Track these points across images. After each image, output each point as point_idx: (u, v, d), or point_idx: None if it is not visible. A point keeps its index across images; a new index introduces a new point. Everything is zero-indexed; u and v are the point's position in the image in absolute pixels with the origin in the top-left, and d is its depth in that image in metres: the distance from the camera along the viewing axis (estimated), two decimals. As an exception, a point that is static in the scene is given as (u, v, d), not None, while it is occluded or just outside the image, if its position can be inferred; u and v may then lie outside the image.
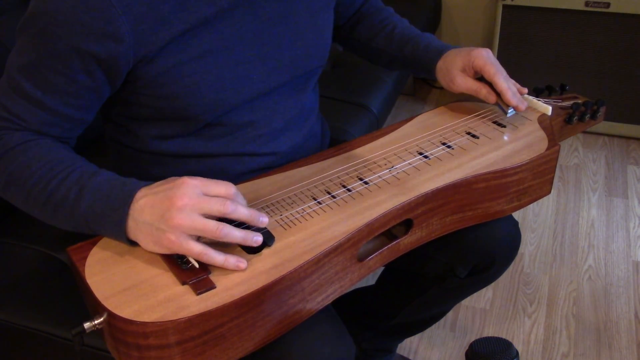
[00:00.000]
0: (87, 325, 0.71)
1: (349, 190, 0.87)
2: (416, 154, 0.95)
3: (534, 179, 0.96)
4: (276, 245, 0.77)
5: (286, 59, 0.91)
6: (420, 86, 2.60)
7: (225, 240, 0.72)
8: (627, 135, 2.24)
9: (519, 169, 0.92)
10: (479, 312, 1.59)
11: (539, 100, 1.06)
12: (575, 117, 1.04)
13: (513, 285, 1.67)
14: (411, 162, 0.92)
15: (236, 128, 0.91)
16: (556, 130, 1.03)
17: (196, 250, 0.72)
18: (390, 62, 1.14)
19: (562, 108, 1.07)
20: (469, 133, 0.99)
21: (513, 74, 1.06)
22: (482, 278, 1.07)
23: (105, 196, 0.75)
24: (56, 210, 0.78)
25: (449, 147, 0.96)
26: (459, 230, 0.95)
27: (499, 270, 1.07)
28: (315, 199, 0.85)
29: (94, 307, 0.72)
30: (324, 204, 0.84)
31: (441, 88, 2.57)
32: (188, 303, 0.69)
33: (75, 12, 0.74)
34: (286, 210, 0.83)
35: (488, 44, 2.39)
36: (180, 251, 0.72)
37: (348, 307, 1.28)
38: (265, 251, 0.76)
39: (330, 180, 0.90)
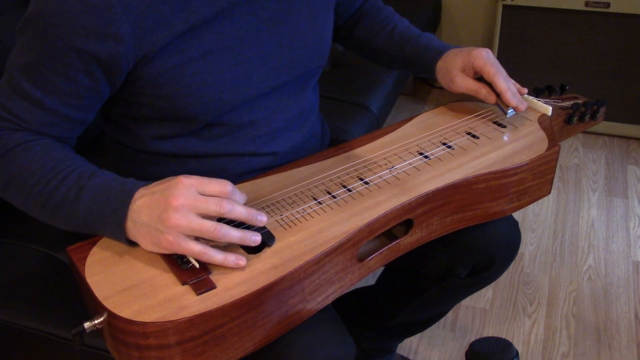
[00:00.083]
0: (87, 325, 0.71)
1: (349, 190, 0.87)
2: (416, 154, 0.95)
3: (534, 179, 0.96)
4: (276, 246, 0.77)
5: (286, 59, 0.91)
6: (420, 86, 2.60)
7: (223, 240, 0.72)
8: (627, 135, 2.24)
9: (519, 169, 0.92)
10: (479, 312, 1.59)
11: (539, 100, 1.06)
12: (575, 118, 1.04)
13: (513, 285, 1.67)
14: (411, 162, 0.92)
15: (236, 128, 0.91)
16: (556, 130, 1.03)
17: (195, 250, 0.72)
18: (390, 62, 1.14)
19: (562, 108, 1.07)
20: (469, 133, 0.99)
21: (513, 74, 1.06)
22: (482, 278, 1.07)
23: (105, 197, 0.75)
24: (55, 211, 0.78)
25: (449, 147, 0.96)
26: (459, 230, 0.95)
27: (499, 270, 1.06)
28: (315, 199, 0.85)
29: (94, 307, 0.72)
30: (324, 204, 0.84)
31: (441, 88, 2.57)
32: (188, 303, 0.69)
33: (75, 12, 0.74)
34: (286, 210, 0.83)
35: (488, 44, 2.39)
36: (179, 251, 0.72)
37: (348, 307, 1.28)
38: (265, 251, 0.76)
39: (330, 180, 0.90)
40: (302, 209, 0.83)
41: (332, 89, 1.72)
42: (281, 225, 0.80)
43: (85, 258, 0.76)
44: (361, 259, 0.83)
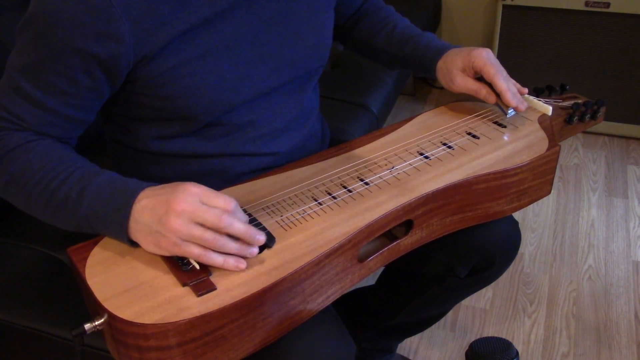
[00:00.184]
0: (87, 326, 0.71)
1: (349, 190, 0.87)
2: (417, 154, 0.95)
3: (534, 179, 0.96)
4: (277, 247, 0.77)
5: (286, 59, 0.91)
6: (420, 86, 2.60)
7: (221, 250, 0.72)
8: (627, 135, 2.24)
9: (519, 169, 0.92)
10: (479, 312, 1.59)
11: (539, 100, 1.06)
12: (576, 117, 1.04)
13: (513, 285, 1.67)
14: (412, 163, 0.92)
15: (236, 128, 0.91)
16: (556, 130, 1.03)
17: (196, 252, 0.72)
18: (391, 61, 1.14)
19: (563, 108, 1.07)
20: (469, 133, 0.99)
21: (513, 74, 1.06)
22: (482, 278, 1.07)
23: (108, 196, 0.75)
24: (57, 211, 0.78)
25: (449, 147, 0.96)
26: (459, 231, 0.95)
27: (499, 270, 1.07)
28: (315, 200, 0.85)
29: (95, 308, 0.72)
30: (324, 205, 0.84)
31: (441, 88, 2.57)
32: (189, 304, 0.69)
33: (75, 13, 0.74)
34: (287, 210, 0.83)
35: (488, 44, 2.39)
36: (179, 253, 0.72)
37: (348, 307, 1.28)
38: (265, 252, 0.76)
39: (330, 180, 0.90)
40: (303, 209, 0.83)
41: (332, 89, 1.71)
42: (281, 226, 0.80)
43: (85, 259, 0.76)
44: (361, 259, 0.83)
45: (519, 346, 1.49)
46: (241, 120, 0.90)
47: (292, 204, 0.84)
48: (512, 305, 1.61)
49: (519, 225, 1.06)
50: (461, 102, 1.10)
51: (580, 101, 1.08)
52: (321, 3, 0.95)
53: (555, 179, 2.03)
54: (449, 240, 0.98)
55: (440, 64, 1.05)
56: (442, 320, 1.46)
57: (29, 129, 0.80)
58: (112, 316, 0.68)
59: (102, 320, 0.70)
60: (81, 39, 0.75)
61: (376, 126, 1.66)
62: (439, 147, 0.96)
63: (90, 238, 0.79)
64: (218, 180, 0.93)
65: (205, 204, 0.72)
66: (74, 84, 0.79)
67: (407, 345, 1.50)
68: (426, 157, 0.94)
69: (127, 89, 0.84)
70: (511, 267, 1.72)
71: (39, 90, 0.78)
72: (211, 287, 0.71)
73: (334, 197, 0.85)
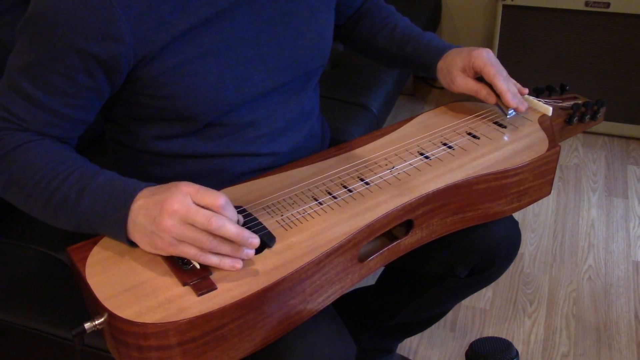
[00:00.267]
0: (87, 325, 0.71)
1: (349, 190, 0.87)
2: (417, 154, 0.95)
3: (535, 179, 0.96)
4: (277, 246, 0.77)
5: (287, 59, 0.91)
6: (420, 86, 2.60)
7: (215, 252, 0.72)
8: (627, 135, 2.24)
9: (520, 170, 0.92)
10: (479, 312, 1.59)
11: (539, 100, 1.06)
12: (576, 118, 1.04)
13: (513, 285, 1.67)
14: (412, 163, 0.92)
15: (237, 128, 0.91)
16: (556, 130, 1.03)
17: (191, 252, 0.72)
18: (391, 61, 1.14)
19: (563, 108, 1.07)
20: (469, 133, 0.99)
21: (513, 74, 1.06)
22: (482, 278, 1.07)
23: (107, 196, 0.75)
24: (57, 211, 0.78)
25: (449, 147, 0.96)
26: (460, 231, 0.95)
27: (499, 270, 1.07)
28: (316, 200, 0.85)
29: (95, 308, 0.72)
30: (324, 205, 0.84)
31: (441, 88, 2.57)
32: (189, 304, 0.69)
33: (75, 13, 0.74)
34: (287, 210, 0.83)
35: (488, 44, 2.39)
36: (175, 253, 0.72)
37: (348, 307, 1.28)
38: (266, 252, 0.76)
39: (331, 180, 0.90)
40: (303, 209, 0.83)
41: (332, 89, 1.71)
42: (282, 225, 0.80)
43: (85, 258, 0.76)
44: (362, 259, 0.83)
45: (519, 346, 1.49)
46: (241, 121, 0.90)
47: (293, 204, 0.84)
48: (512, 305, 1.61)
49: (519, 225, 1.06)
50: (461, 103, 1.10)
51: (580, 102, 1.08)
52: (321, 3, 0.95)
53: (555, 179, 2.03)
54: (449, 240, 0.98)
55: (441, 64, 1.05)
56: (442, 320, 1.46)
57: (29, 129, 0.80)
58: (112, 315, 0.68)
59: (102, 319, 0.70)
60: (81, 39, 0.75)
61: (376, 126, 1.66)
62: (439, 147, 0.96)
63: (90, 238, 0.79)
64: (218, 181, 0.93)
65: (197, 202, 0.71)
66: (74, 84, 0.79)
67: (407, 345, 1.50)
68: (426, 157, 0.94)
69: (127, 88, 0.84)
70: (511, 267, 1.72)
71: (39, 91, 0.78)
72: (211, 287, 0.71)
73: (334, 197, 0.85)
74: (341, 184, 0.88)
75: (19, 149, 0.79)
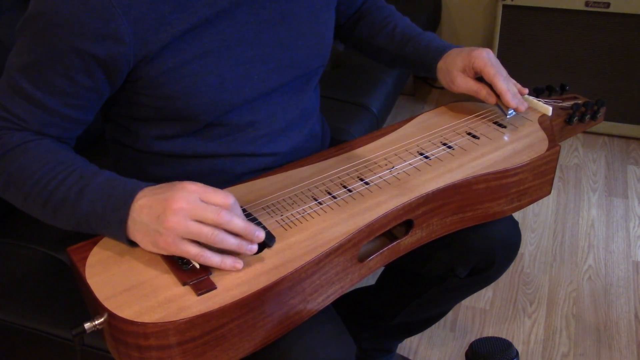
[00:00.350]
0: (87, 325, 0.71)
1: (349, 190, 0.87)
2: (417, 154, 0.95)
3: (534, 179, 0.96)
4: (277, 246, 0.77)
5: (287, 59, 0.91)
6: (420, 86, 2.60)
7: (219, 246, 0.72)
8: (627, 135, 2.24)
9: (520, 169, 0.92)
10: (479, 312, 1.59)
11: (539, 100, 1.06)
12: (576, 118, 1.04)
13: (513, 285, 1.67)
14: (412, 163, 0.92)
15: (237, 128, 0.91)
16: (556, 130, 1.03)
17: (193, 252, 0.72)
18: (392, 61, 1.14)
19: (563, 108, 1.07)
20: (469, 133, 0.99)
21: (513, 74, 1.06)
22: (482, 278, 1.07)
23: (107, 196, 0.75)
24: (57, 211, 0.78)
25: (449, 147, 0.96)
26: (459, 231, 0.95)
27: (499, 270, 1.06)
28: (315, 199, 0.85)
29: (95, 308, 0.72)
30: (324, 205, 0.84)
31: (441, 88, 2.57)
32: (189, 304, 0.69)
33: (75, 13, 0.74)
34: (287, 210, 0.83)
35: (488, 44, 2.39)
36: (176, 252, 0.72)
37: (348, 307, 1.28)
38: (265, 252, 0.76)
39: (330, 180, 0.90)
40: (303, 209, 0.83)
41: (332, 89, 1.71)
42: (281, 225, 0.80)
43: (85, 258, 0.76)
44: (361, 259, 0.83)
45: (519, 346, 1.49)
46: (242, 121, 0.90)
47: (292, 204, 0.85)
48: (512, 305, 1.61)
49: (519, 225, 1.06)
50: (461, 103, 1.10)
51: (580, 101, 1.08)
52: (322, 3, 0.95)
53: (555, 179, 2.03)
54: (449, 240, 0.98)
55: (441, 64, 1.05)
56: (442, 320, 1.46)
57: (28, 128, 0.80)
58: (112, 315, 0.68)
59: (102, 319, 0.70)
60: (81, 39, 0.75)
61: (376, 126, 1.66)
62: (439, 147, 0.96)
63: (90, 238, 0.79)
64: (218, 181, 0.93)
65: (204, 201, 0.72)
66: (74, 84, 0.79)
67: (407, 345, 1.50)
68: (426, 157, 0.94)
69: (127, 89, 0.84)
70: (511, 267, 1.72)
71: (38, 90, 0.78)
72: (211, 287, 0.71)
73: (334, 197, 0.85)
74: (341, 184, 0.88)
75: (18, 148, 0.79)
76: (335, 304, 0.87)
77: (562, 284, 1.67)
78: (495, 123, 1.02)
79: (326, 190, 0.87)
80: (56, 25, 0.74)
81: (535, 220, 1.89)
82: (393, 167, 0.92)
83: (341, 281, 0.81)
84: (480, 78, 1.02)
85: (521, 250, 1.78)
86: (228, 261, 0.73)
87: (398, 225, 0.87)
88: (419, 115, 1.07)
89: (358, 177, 0.90)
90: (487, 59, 0.99)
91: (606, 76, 2.12)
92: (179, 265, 0.74)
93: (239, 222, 0.72)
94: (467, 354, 0.93)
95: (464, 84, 1.02)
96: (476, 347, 0.92)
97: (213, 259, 0.72)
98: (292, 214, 0.82)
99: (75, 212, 0.76)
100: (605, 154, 2.19)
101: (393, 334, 1.32)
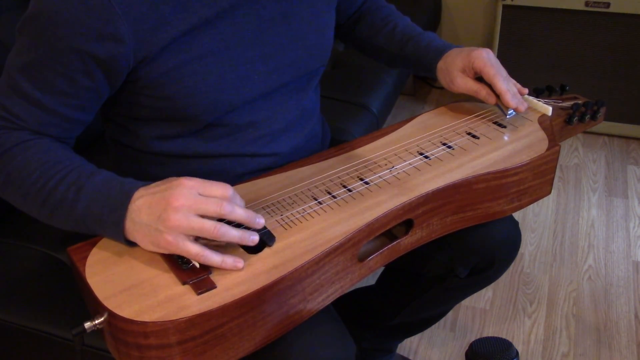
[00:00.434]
0: (87, 325, 0.71)
1: (349, 190, 0.87)
2: (417, 154, 0.95)
3: (534, 179, 0.96)
4: (277, 246, 0.77)
5: (287, 60, 0.91)
6: (420, 86, 2.60)
7: (222, 239, 0.72)
8: (627, 135, 2.24)
9: (520, 169, 0.92)
10: (479, 312, 1.59)
11: (539, 100, 1.06)
12: (576, 118, 1.04)
13: (513, 285, 1.67)
14: (412, 162, 0.92)
15: (237, 129, 0.91)
16: (556, 130, 1.03)
17: (194, 251, 0.72)
18: (392, 60, 1.14)
19: (563, 108, 1.07)
20: (469, 133, 1.00)
21: (513, 74, 1.06)
22: (482, 278, 1.07)
23: (103, 197, 0.75)
24: (54, 211, 0.77)
25: (449, 147, 0.96)
26: (460, 231, 0.95)
27: (499, 270, 1.07)
28: (315, 199, 0.85)
29: (95, 307, 0.72)
30: (324, 204, 0.84)
31: (441, 88, 2.57)
32: (188, 303, 0.69)
33: (75, 13, 0.74)
34: (287, 210, 0.83)
35: (488, 44, 2.39)
36: (178, 252, 0.72)
37: (348, 307, 1.28)
38: (265, 251, 0.76)
39: (330, 180, 0.90)
40: (303, 209, 0.83)
41: (332, 89, 1.72)
42: (281, 225, 0.80)
43: (85, 258, 0.76)
44: (361, 259, 0.83)
45: (519, 346, 1.49)
46: (242, 121, 0.90)
47: (292, 204, 0.85)
48: (512, 305, 1.61)
49: (519, 225, 1.06)
50: (461, 103, 1.10)
51: (580, 101, 1.08)
52: (322, 3, 0.95)
53: (555, 179, 2.03)
54: (449, 240, 0.98)
55: (441, 65, 1.05)
56: (442, 320, 1.46)
57: (27, 128, 0.80)
58: (112, 314, 0.68)
59: (102, 319, 0.70)
60: (80, 39, 0.75)
61: (376, 126, 1.66)
62: (439, 147, 0.96)
63: (90, 238, 0.79)
64: (218, 181, 0.93)
65: (203, 194, 0.72)
66: (73, 84, 0.79)
67: (407, 345, 1.50)
68: (426, 157, 0.94)
69: (127, 89, 0.84)
70: (511, 267, 1.72)
71: (37, 90, 0.78)
72: (211, 286, 0.71)
73: (334, 197, 0.85)
74: (341, 184, 0.88)
75: (16, 148, 0.79)
76: (335, 304, 0.87)
77: (562, 284, 1.67)
78: (495, 123, 1.02)
79: (326, 190, 0.87)
80: (56, 25, 0.74)
81: (535, 220, 1.89)
82: (393, 167, 0.92)
83: (341, 281, 0.81)
84: (480, 78, 1.02)
85: (521, 250, 1.78)
86: (229, 260, 0.73)
87: (398, 225, 0.87)
88: (419, 115, 1.07)
89: (358, 177, 0.90)
90: (487, 59, 0.99)
91: (606, 76, 2.12)
92: (178, 265, 0.74)
93: (241, 212, 0.73)
94: (467, 354, 0.93)
95: (464, 84, 1.02)
96: (476, 347, 0.92)
97: (214, 258, 0.72)
98: (292, 214, 0.82)
99: (72, 213, 0.76)
100: (605, 154, 2.19)
101: (393, 334, 1.32)
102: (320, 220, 0.81)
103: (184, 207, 0.71)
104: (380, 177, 0.89)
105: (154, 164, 0.93)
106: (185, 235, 0.71)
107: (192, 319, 0.67)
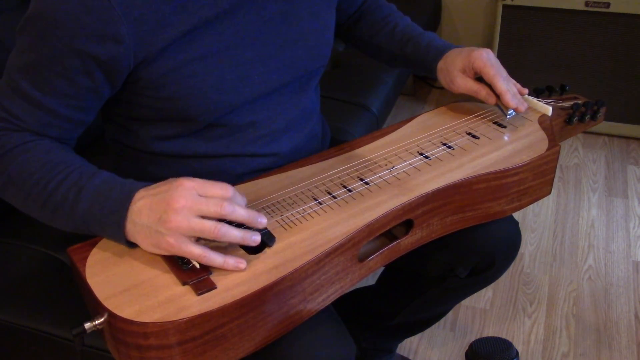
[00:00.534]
0: (87, 325, 0.71)
1: (349, 190, 0.87)
2: (417, 154, 0.95)
3: (535, 179, 0.96)
4: (277, 246, 0.77)
5: (288, 60, 0.91)
6: (420, 86, 2.60)
7: (223, 240, 0.72)
8: (627, 135, 2.24)
9: (520, 169, 0.92)
10: (479, 312, 1.59)
11: (539, 100, 1.06)
12: (576, 118, 1.04)
13: (513, 285, 1.67)
14: (412, 163, 0.92)
15: (237, 129, 0.91)
16: (556, 130, 1.03)
17: (195, 253, 0.72)
18: (392, 60, 1.14)
19: (563, 108, 1.07)
20: (469, 133, 1.00)
21: (513, 74, 1.06)
22: (482, 278, 1.07)
23: (104, 198, 0.75)
24: (55, 212, 0.77)
25: (449, 147, 0.96)
26: (460, 231, 0.95)
27: (499, 270, 1.07)
28: (315, 199, 0.85)
29: (95, 308, 0.72)
30: (324, 204, 0.84)
31: (441, 88, 2.57)
32: (189, 303, 0.69)
33: (75, 14, 0.74)
34: (287, 210, 0.83)
35: (488, 44, 2.39)
36: (179, 253, 0.72)
37: (348, 307, 1.28)
38: (265, 251, 0.76)
39: (330, 180, 0.90)
40: (303, 209, 0.83)
41: (332, 89, 1.71)
42: (281, 225, 0.80)
43: (85, 258, 0.76)
44: (361, 259, 0.83)
45: (519, 346, 1.49)
46: (242, 121, 0.90)
47: (292, 204, 0.85)
48: (512, 305, 1.61)
49: (519, 225, 1.06)
50: (461, 103, 1.10)
51: (580, 101, 1.08)
52: (322, 2, 0.95)
53: (555, 179, 2.03)
54: (449, 240, 0.98)
55: (441, 65, 1.05)
56: (442, 320, 1.45)
57: (28, 129, 0.80)
58: (112, 315, 0.68)
59: (102, 319, 0.70)
60: (81, 40, 0.75)
61: (376, 126, 1.66)
62: (439, 147, 0.96)
63: (91, 238, 0.79)
64: (219, 181, 0.93)
65: (203, 195, 0.72)
66: (74, 85, 0.79)
67: (407, 345, 1.50)
68: (426, 157, 0.94)
69: (127, 89, 0.84)
70: (511, 267, 1.72)
71: (38, 91, 0.78)
72: (211, 286, 0.71)
73: (334, 197, 0.85)
74: (341, 184, 0.88)
75: (17, 149, 0.79)
76: (335, 304, 0.87)
77: (562, 284, 1.67)
78: (495, 123, 1.02)
79: (326, 190, 0.87)
80: (56, 26, 0.74)
81: (535, 220, 1.89)
82: (393, 167, 0.92)
83: (341, 281, 0.81)
84: (480, 78, 1.02)
85: (521, 250, 1.78)
86: (231, 261, 0.73)
87: (398, 225, 0.87)
88: (419, 115, 1.07)
89: (358, 177, 0.90)
90: (487, 59, 0.99)
91: (606, 76, 2.13)
92: (179, 265, 0.74)
93: (242, 212, 0.73)
94: (467, 354, 0.93)
95: (464, 84, 1.02)
96: (476, 347, 0.92)
97: (216, 259, 0.72)
98: (292, 214, 0.82)
99: (73, 214, 0.76)
100: (605, 154, 2.19)
101: (393, 334, 1.32)
102: (320, 220, 0.81)
103: (185, 209, 0.71)
104: (380, 177, 0.89)
105: (154, 164, 0.93)
106: (186, 237, 0.71)
107: (192, 319, 0.67)
